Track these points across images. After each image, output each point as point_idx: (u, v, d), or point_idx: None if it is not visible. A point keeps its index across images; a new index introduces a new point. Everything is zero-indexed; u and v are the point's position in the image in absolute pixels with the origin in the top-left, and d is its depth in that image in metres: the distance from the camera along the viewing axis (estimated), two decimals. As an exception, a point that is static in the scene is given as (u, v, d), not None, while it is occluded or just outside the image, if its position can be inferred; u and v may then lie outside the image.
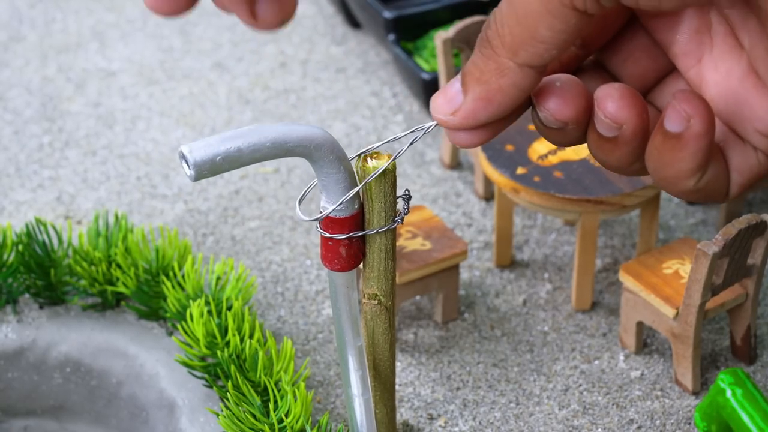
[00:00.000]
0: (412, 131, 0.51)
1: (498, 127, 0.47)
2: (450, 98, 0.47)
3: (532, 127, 0.78)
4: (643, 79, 0.50)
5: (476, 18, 0.85)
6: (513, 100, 0.45)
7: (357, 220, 0.53)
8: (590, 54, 0.50)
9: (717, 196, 0.46)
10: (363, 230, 0.54)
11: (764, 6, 0.42)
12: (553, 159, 0.77)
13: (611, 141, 0.46)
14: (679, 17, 0.48)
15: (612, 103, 0.45)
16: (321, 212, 0.53)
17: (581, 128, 0.47)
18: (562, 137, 0.47)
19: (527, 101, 0.47)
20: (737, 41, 0.46)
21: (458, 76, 0.47)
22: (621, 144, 0.46)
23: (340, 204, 0.52)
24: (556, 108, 0.46)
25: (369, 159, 0.52)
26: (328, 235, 0.53)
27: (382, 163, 0.52)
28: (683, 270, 0.72)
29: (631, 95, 0.45)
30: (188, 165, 0.47)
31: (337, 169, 0.50)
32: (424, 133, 0.51)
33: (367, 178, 0.52)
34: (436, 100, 0.47)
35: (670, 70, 0.50)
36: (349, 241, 0.54)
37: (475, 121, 0.46)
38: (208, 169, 0.47)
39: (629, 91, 0.45)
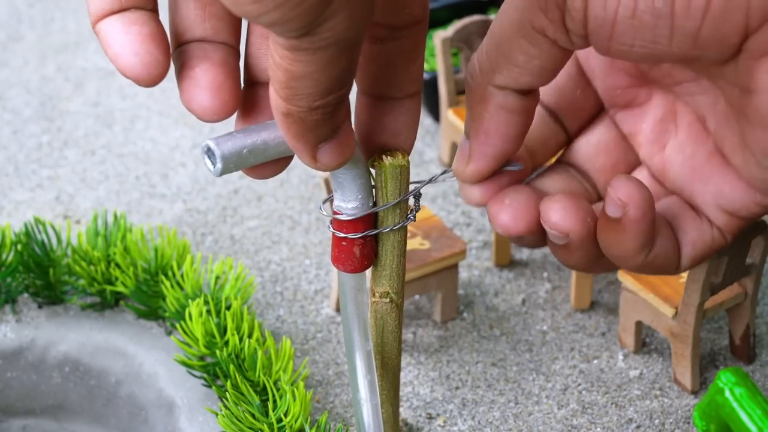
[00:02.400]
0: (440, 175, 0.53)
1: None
2: (463, 152, 0.49)
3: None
4: (614, 171, 0.52)
5: (475, 17, 0.85)
6: (506, 125, 0.47)
7: (369, 218, 0.53)
8: (566, 139, 0.52)
9: (668, 269, 0.49)
10: (375, 228, 0.53)
11: (735, 89, 0.43)
12: (552, 158, 0.77)
13: (564, 247, 0.47)
14: (644, 108, 0.50)
15: (555, 213, 0.47)
16: (334, 212, 0.52)
17: (537, 237, 0.49)
18: (523, 243, 0.50)
19: (524, 128, 0.48)
20: (704, 127, 0.48)
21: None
22: (573, 249, 0.47)
23: (356, 202, 0.52)
24: (506, 224, 0.49)
25: (385, 156, 0.52)
26: (342, 234, 0.53)
27: (399, 161, 0.52)
28: (682, 269, 0.72)
29: (573, 204, 0.47)
30: (215, 159, 0.46)
31: (354, 165, 0.50)
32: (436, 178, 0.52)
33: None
34: (456, 163, 0.49)
35: (638, 163, 0.52)
36: (364, 240, 0.53)
37: (486, 161, 0.48)
38: (234, 163, 0.47)
39: (571, 201, 0.47)
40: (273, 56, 0.42)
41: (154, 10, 0.46)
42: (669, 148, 0.49)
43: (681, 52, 0.42)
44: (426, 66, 0.94)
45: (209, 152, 0.47)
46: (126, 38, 0.44)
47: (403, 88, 0.50)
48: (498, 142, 0.47)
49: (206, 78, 0.46)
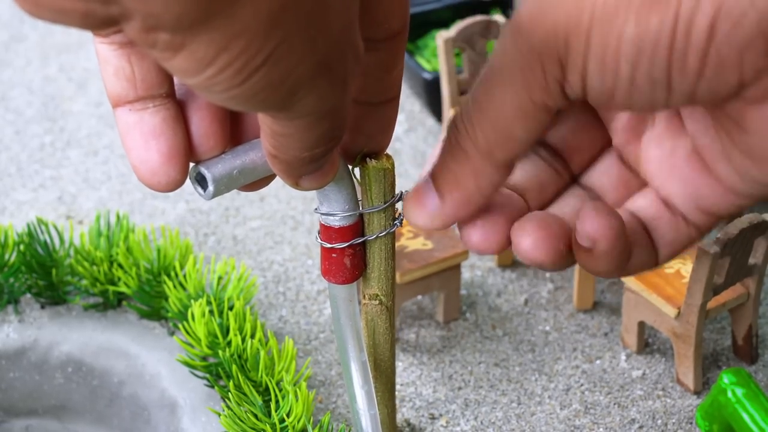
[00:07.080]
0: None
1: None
2: (426, 206, 0.48)
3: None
4: (581, 152, 0.51)
5: (478, 18, 0.85)
6: (489, 197, 0.47)
7: (357, 227, 0.52)
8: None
9: (646, 269, 0.50)
10: (363, 236, 0.53)
11: (724, 114, 0.44)
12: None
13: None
14: None
15: (525, 244, 0.47)
16: (321, 223, 0.52)
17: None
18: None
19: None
20: (681, 124, 0.48)
21: (427, 181, 0.47)
22: (551, 268, 0.48)
23: (345, 212, 0.51)
24: (478, 244, 0.48)
25: (369, 159, 0.51)
26: (330, 245, 0.52)
27: (383, 164, 0.51)
28: (685, 269, 0.72)
29: (544, 235, 0.48)
30: (206, 182, 0.46)
31: (339, 177, 0.50)
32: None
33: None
34: (412, 210, 0.48)
35: (607, 145, 0.51)
36: (353, 250, 0.53)
37: (455, 221, 0.48)
38: (225, 185, 0.47)
39: (541, 231, 0.47)
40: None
41: (170, 95, 0.46)
42: (645, 139, 0.50)
43: (678, 105, 0.42)
44: (429, 66, 0.94)
45: (199, 176, 0.47)
46: (145, 155, 0.46)
47: (381, 94, 0.50)
48: (474, 210, 0.48)
49: (199, 129, 0.47)
